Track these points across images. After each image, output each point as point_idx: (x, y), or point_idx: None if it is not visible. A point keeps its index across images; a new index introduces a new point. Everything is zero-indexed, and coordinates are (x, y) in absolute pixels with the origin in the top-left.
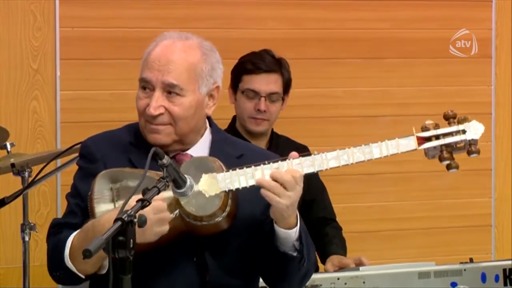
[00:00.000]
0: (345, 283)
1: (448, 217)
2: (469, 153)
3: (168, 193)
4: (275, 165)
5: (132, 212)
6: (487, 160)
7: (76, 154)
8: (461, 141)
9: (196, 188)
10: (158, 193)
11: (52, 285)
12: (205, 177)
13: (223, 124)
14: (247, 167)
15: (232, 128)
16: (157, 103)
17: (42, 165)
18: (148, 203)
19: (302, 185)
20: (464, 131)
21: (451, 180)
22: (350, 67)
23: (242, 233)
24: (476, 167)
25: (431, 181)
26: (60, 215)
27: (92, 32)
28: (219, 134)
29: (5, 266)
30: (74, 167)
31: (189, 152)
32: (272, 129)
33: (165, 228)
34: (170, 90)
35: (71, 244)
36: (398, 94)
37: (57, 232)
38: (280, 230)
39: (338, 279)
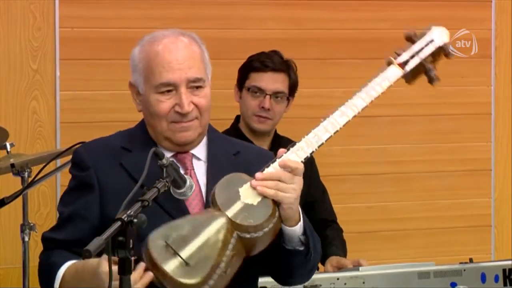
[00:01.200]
0: (345, 283)
1: (448, 217)
2: (447, 55)
3: (219, 223)
4: (295, 148)
5: (132, 213)
6: (487, 161)
7: None
8: (436, 48)
9: (240, 203)
10: (158, 193)
11: None
12: (243, 190)
13: (225, 124)
14: (272, 162)
15: (235, 128)
16: (188, 99)
17: (41, 165)
18: (147, 203)
19: (301, 175)
20: (432, 41)
21: (451, 180)
22: (350, 67)
23: None
24: (476, 168)
25: (431, 182)
26: None
27: (92, 32)
28: (214, 133)
29: (4, 266)
30: None
31: (191, 151)
32: (275, 130)
33: None
34: (194, 85)
35: (63, 278)
36: (397, 94)
37: (48, 248)
38: (286, 229)
39: (337, 279)
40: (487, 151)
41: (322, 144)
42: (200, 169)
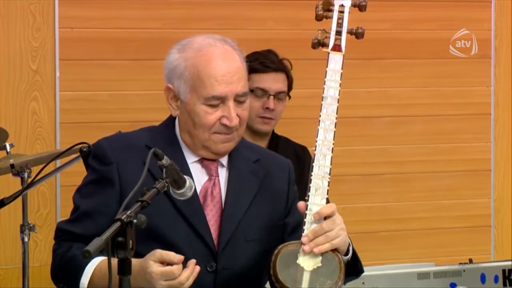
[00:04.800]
0: (345, 284)
1: (448, 218)
2: (361, 8)
3: None
4: (312, 190)
5: (132, 213)
6: (487, 161)
7: (76, 155)
8: (346, 14)
9: (307, 273)
10: (157, 193)
11: (51, 286)
12: (301, 260)
13: None
14: (305, 218)
15: None
16: (235, 112)
17: (41, 166)
18: (147, 204)
19: (336, 211)
20: (341, 12)
21: (451, 181)
22: (349, 67)
23: (257, 240)
24: (476, 168)
25: (431, 182)
26: (59, 216)
27: (92, 33)
28: None
29: (4, 267)
30: (73, 168)
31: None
32: (273, 130)
33: None
34: (241, 99)
35: (94, 274)
36: (397, 95)
37: (63, 239)
38: (344, 258)
39: None
40: (487, 152)
41: (330, 169)
42: (221, 175)
